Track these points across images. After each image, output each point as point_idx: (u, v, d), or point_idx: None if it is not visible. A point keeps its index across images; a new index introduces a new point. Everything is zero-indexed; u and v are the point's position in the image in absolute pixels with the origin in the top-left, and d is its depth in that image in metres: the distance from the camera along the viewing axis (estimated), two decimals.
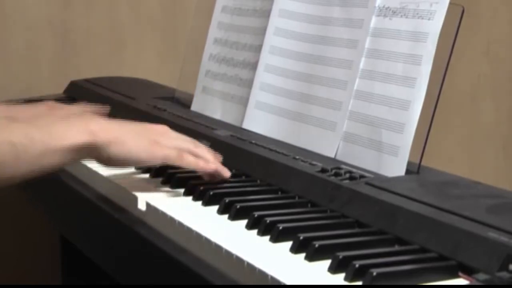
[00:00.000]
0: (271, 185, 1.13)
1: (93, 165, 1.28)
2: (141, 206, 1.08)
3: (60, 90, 1.88)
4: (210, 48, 1.54)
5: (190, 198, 1.10)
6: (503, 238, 0.81)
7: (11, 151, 1.01)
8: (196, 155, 1.13)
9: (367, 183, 1.03)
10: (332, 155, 1.19)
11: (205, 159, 1.13)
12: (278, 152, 1.20)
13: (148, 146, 1.10)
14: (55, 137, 1.05)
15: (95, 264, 1.22)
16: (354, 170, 1.10)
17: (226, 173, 1.14)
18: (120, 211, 1.12)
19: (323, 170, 1.10)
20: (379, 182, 1.03)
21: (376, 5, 1.19)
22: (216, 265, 0.90)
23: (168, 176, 1.17)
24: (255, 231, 0.96)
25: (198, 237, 0.95)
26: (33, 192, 1.51)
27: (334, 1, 1.27)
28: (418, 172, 1.09)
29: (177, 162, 1.11)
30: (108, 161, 1.10)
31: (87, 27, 2.02)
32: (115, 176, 1.22)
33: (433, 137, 1.08)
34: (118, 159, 1.09)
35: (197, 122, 1.42)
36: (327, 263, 0.84)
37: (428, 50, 1.09)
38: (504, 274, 0.78)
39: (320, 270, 0.84)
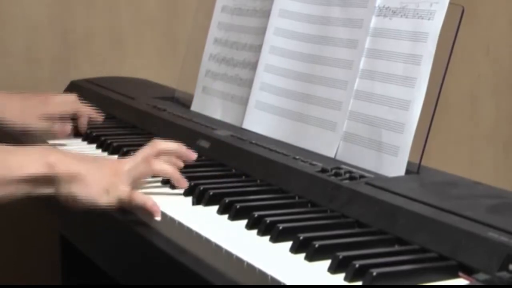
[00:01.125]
0: (271, 185, 1.13)
1: None
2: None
3: (60, 90, 1.88)
4: (210, 48, 1.54)
5: (190, 198, 1.10)
6: (503, 238, 0.81)
7: None
8: (155, 173, 1.11)
9: (367, 183, 1.03)
10: (332, 155, 1.19)
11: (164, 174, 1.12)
12: (278, 152, 1.20)
13: (105, 186, 1.05)
14: (12, 168, 1.03)
15: (95, 264, 1.21)
16: (354, 170, 1.10)
17: (183, 183, 1.12)
18: (120, 212, 1.12)
19: (323, 170, 1.10)
20: (379, 182, 1.03)
21: (376, 5, 1.19)
22: (216, 265, 0.90)
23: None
24: (255, 231, 0.96)
25: (198, 237, 0.95)
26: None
27: (334, 1, 1.27)
28: (418, 172, 1.09)
29: (131, 203, 1.06)
30: (65, 199, 1.06)
31: (87, 27, 2.02)
32: None
33: (433, 137, 1.08)
34: (76, 199, 1.05)
35: (197, 122, 1.42)
36: (327, 263, 0.84)
37: (428, 50, 1.09)
38: (504, 274, 0.78)
39: (320, 270, 0.84)
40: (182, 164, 1.14)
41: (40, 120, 1.44)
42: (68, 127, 1.46)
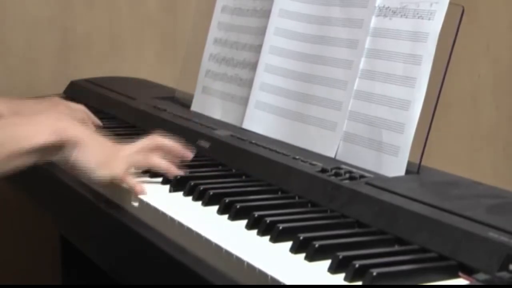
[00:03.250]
0: (271, 185, 1.13)
1: None
2: (141, 205, 1.08)
3: (60, 90, 1.88)
4: (210, 48, 1.54)
5: (190, 198, 1.10)
6: (503, 238, 0.81)
7: None
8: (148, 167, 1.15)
9: (367, 183, 1.03)
10: (332, 155, 1.19)
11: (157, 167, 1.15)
12: (278, 152, 1.20)
13: (103, 159, 1.09)
14: (22, 139, 1.05)
15: (95, 264, 1.22)
16: (354, 170, 1.10)
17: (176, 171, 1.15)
18: (121, 212, 1.12)
19: (323, 170, 1.10)
20: (379, 182, 1.03)
21: (376, 5, 1.19)
22: (216, 265, 0.90)
23: (168, 176, 1.17)
24: (255, 231, 0.96)
25: (198, 237, 0.95)
26: (33, 192, 1.51)
27: (334, 1, 1.27)
28: (418, 172, 1.09)
29: (121, 180, 1.11)
30: (65, 163, 1.09)
31: (87, 27, 2.02)
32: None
33: (433, 137, 1.08)
34: (75, 164, 1.08)
35: (197, 122, 1.42)
36: (327, 263, 0.84)
37: (428, 50, 1.09)
38: (504, 274, 0.78)
39: (320, 270, 0.84)
40: (176, 162, 1.16)
41: None
42: None
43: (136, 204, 1.10)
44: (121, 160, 1.11)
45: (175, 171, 1.14)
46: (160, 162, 1.15)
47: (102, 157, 1.10)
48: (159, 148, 1.15)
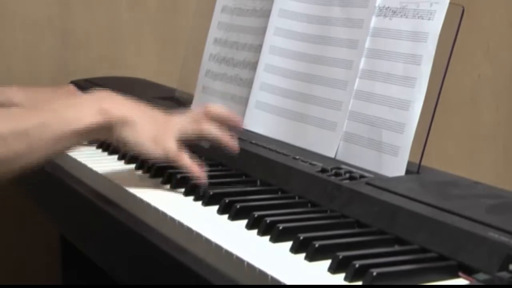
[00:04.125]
0: (271, 185, 1.13)
1: (94, 165, 1.28)
2: (141, 205, 1.08)
3: None
4: (210, 48, 1.54)
5: (190, 198, 1.10)
6: (503, 238, 0.81)
7: (26, 142, 1.03)
8: (201, 137, 1.14)
9: (367, 183, 1.03)
10: (332, 155, 1.19)
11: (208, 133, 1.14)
12: (278, 152, 1.20)
13: (154, 135, 1.10)
14: (68, 121, 1.06)
15: (95, 264, 1.22)
16: (354, 170, 1.10)
17: (233, 143, 1.15)
18: (120, 211, 1.12)
19: (323, 170, 1.10)
20: (379, 182, 1.03)
21: (376, 5, 1.19)
22: (216, 265, 0.90)
23: (169, 176, 1.17)
24: (255, 231, 0.96)
25: (198, 237, 0.95)
26: (33, 191, 1.51)
27: (334, 1, 1.27)
28: (418, 172, 1.09)
29: (174, 159, 1.11)
30: (116, 141, 1.11)
31: (87, 27, 2.02)
32: (116, 176, 1.22)
33: (433, 137, 1.08)
34: (125, 142, 1.10)
35: None
36: (327, 263, 0.84)
37: (428, 50, 1.09)
38: (504, 274, 0.78)
39: (320, 270, 0.84)
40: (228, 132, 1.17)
41: None
42: None
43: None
44: (171, 133, 1.11)
45: (227, 140, 1.14)
46: (211, 130, 1.14)
47: (152, 132, 1.10)
48: (211, 117, 1.15)
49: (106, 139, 1.12)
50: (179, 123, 1.14)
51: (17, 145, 1.02)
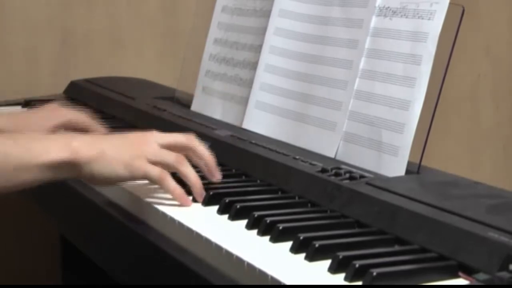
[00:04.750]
0: (271, 185, 1.13)
1: None
2: (141, 205, 1.08)
3: (60, 90, 1.88)
4: (210, 48, 1.54)
5: (190, 198, 1.10)
6: (503, 238, 0.82)
7: None
8: (179, 171, 1.08)
9: (367, 183, 1.03)
10: (332, 155, 1.19)
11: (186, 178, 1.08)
12: (278, 152, 1.20)
13: (130, 161, 1.05)
14: (33, 153, 1.03)
15: (95, 264, 1.22)
16: (354, 170, 1.10)
17: (200, 197, 1.08)
18: (121, 212, 1.12)
19: (323, 170, 1.10)
20: (379, 182, 1.03)
21: (376, 5, 1.19)
22: (216, 265, 0.90)
23: None
24: (255, 231, 0.96)
25: (198, 237, 0.95)
26: (33, 192, 1.51)
27: (334, 1, 1.27)
28: (418, 172, 1.09)
29: (157, 183, 1.06)
30: (91, 179, 1.06)
31: (87, 27, 2.02)
32: None
33: (433, 137, 1.08)
34: (100, 176, 1.05)
35: (197, 122, 1.42)
36: (327, 263, 0.84)
37: (428, 50, 1.09)
38: (504, 274, 0.78)
39: (320, 270, 0.84)
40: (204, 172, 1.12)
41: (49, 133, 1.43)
42: None
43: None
44: (149, 157, 1.06)
45: (198, 191, 1.08)
46: (189, 175, 1.07)
47: (124, 156, 1.05)
48: (191, 151, 1.11)
49: (77, 177, 1.06)
50: (157, 150, 1.07)
51: None
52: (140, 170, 1.05)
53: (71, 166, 1.04)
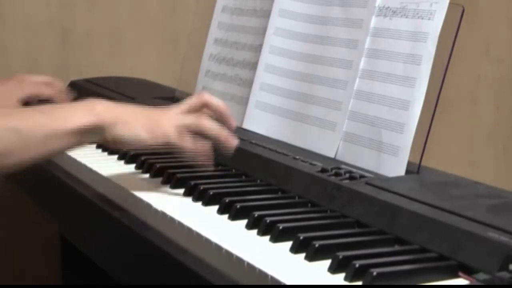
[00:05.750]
0: (271, 185, 1.13)
1: (94, 165, 1.28)
2: (141, 205, 1.08)
3: None
4: (210, 48, 1.54)
5: (190, 198, 1.10)
6: (503, 238, 0.82)
7: (17, 138, 1.03)
8: (198, 131, 1.12)
9: (367, 183, 1.03)
10: (332, 155, 1.19)
11: (208, 132, 1.12)
12: (278, 152, 1.20)
13: (150, 125, 1.09)
14: (60, 120, 1.06)
15: (95, 264, 1.22)
16: (354, 170, 1.10)
17: (232, 141, 1.13)
18: (120, 212, 1.12)
19: (323, 170, 1.10)
20: (379, 182, 1.03)
21: (376, 5, 1.19)
22: (216, 265, 0.90)
23: (168, 176, 1.17)
24: (255, 231, 0.96)
25: (198, 237, 0.95)
26: (33, 191, 1.51)
27: (334, 1, 1.27)
28: (418, 172, 1.09)
29: (177, 143, 1.10)
30: (113, 142, 1.10)
31: (87, 27, 2.02)
32: (116, 176, 1.22)
33: (433, 137, 1.08)
34: (122, 139, 1.09)
35: None
36: (327, 263, 0.84)
37: (428, 50, 1.09)
38: (504, 274, 0.78)
39: (320, 270, 0.84)
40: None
41: (19, 105, 1.45)
42: None
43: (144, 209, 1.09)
44: (168, 123, 1.10)
45: (226, 138, 1.12)
46: (211, 125, 1.12)
47: (145, 121, 1.09)
48: (206, 106, 1.15)
49: (101, 141, 1.11)
50: (174, 116, 1.12)
51: (8, 141, 1.02)
52: (159, 133, 1.09)
53: (96, 129, 1.07)
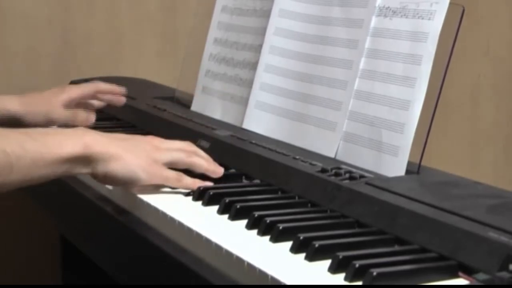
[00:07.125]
0: (271, 185, 1.13)
1: None
2: (141, 205, 1.08)
3: None
4: (210, 48, 1.54)
5: (190, 198, 1.10)
6: (503, 238, 0.82)
7: (4, 160, 1.00)
8: (190, 165, 1.13)
9: (367, 183, 1.03)
10: (332, 155, 1.19)
11: (199, 166, 1.14)
12: (278, 152, 1.20)
13: (147, 165, 1.08)
14: (48, 148, 1.04)
15: (95, 264, 1.22)
16: (354, 170, 1.10)
17: (219, 172, 1.15)
18: (121, 212, 1.12)
19: (323, 170, 1.10)
20: (379, 182, 1.03)
21: (376, 5, 1.19)
22: (216, 265, 0.90)
23: None
24: (255, 231, 0.96)
25: (198, 237, 0.95)
26: (34, 192, 1.51)
27: (334, 1, 1.27)
28: (418, 172, 1.09)
29: (175, 185, 1.11)
30: (103, 177, 1.07)
31: (87, 27, 2.02)
32: None
33: (433, 137, 1.08)
34: (116, 177, 1.07)
35: (197, 122, 1.42)
36: (327, 263, 0.84)
37: (428, 50, 1.09)
38: (504, 274, 0.78)
39: (320, 270, 0.84)
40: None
41: (63, 109, 1.45)
42: (92, 116, 1.47)
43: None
44: (163, 161, 1.10)
45: (214, 170, 1.14)
46: (202, 163, 1.14)
47: (142, 162, 1.08)
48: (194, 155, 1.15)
49: (89, 174, 1.08)
50: (168, 153, 1.12)
51: None
52: (157, 175, 1.09)
53: (85, 161, 1.06)
